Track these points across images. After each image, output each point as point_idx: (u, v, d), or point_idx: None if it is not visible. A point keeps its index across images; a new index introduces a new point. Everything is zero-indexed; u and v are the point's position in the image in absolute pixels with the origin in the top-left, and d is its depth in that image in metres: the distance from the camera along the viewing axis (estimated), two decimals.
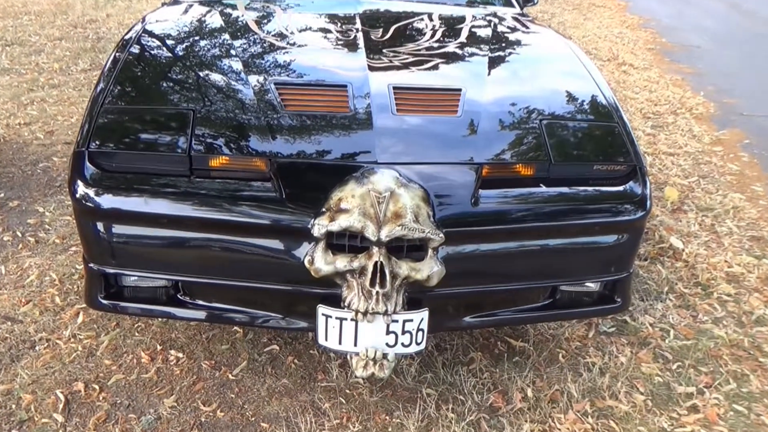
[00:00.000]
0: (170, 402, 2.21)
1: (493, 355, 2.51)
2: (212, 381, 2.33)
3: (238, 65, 2.10)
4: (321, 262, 1.75)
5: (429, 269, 1.78)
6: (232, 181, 1.79)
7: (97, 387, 2.23)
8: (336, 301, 1.80)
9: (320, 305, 1.81)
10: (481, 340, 2.62)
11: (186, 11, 2.68)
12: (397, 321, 1.79)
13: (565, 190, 1.91)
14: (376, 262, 1.71)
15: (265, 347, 2.53)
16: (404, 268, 1.75)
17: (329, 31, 2.51)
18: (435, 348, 2.51)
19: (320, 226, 1.72)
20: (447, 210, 1.80)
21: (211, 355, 2.45)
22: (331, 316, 1.81)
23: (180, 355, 2.45)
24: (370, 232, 1.69)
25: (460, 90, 2.03)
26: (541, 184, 1.90)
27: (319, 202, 1.74)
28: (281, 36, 2.40)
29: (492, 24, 2.72)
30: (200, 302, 1.98)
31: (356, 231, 1.70)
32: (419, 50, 2.31)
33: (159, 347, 2.47)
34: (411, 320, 1.81)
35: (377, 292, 1.72)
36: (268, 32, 2.44)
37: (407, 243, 1.74)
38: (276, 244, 1.80)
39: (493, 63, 2.30)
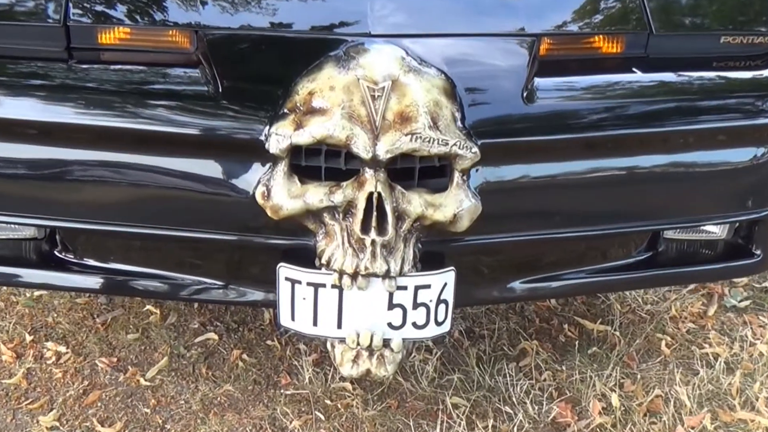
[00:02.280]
0: (48, 421, 2.25)
1: (557, 344, 2.57)
2: (114, 388, 2.38)
3: None
4: (282, 195, 1.78)
5: (456, 205, 1.80)
6: (136, 68, 1.83)
7: None
8: (307, 259, 1.86)
9: (282, 264, 1.86)
10: (537, 321, 2.69)
11: None
12: (405, 288, 1.84)
13: (671, 77, 1.94)
14: (370, 194, 1.73)
15: (196, 336, 2.58)
16: (416, 202, 1.78)
17: None
18: (465, 334, 2.57)
19: (280, 137, 1.74)
20: (483, 110, 1.84)
21: (112, 349, 2.51)
22: (299, 282, 1.86)
23: (62, 348, 2.49)
24: (361, 146, 1.71)
25: None
26: (634, 69, 1.94)
27: (278, 98, 1.77)
28: None
29: None
30: (91, 263, 2.04)
31: (338, 144, 1.72)
32: None
33: (29, 338, 2.51)
34: (428, 286, 1.86)
35: (373, 242, 1.75)
36: None
37: (421, 164, 1.78)
38: (208, 167, 1.84)
39: None
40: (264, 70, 1.87)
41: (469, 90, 1.83)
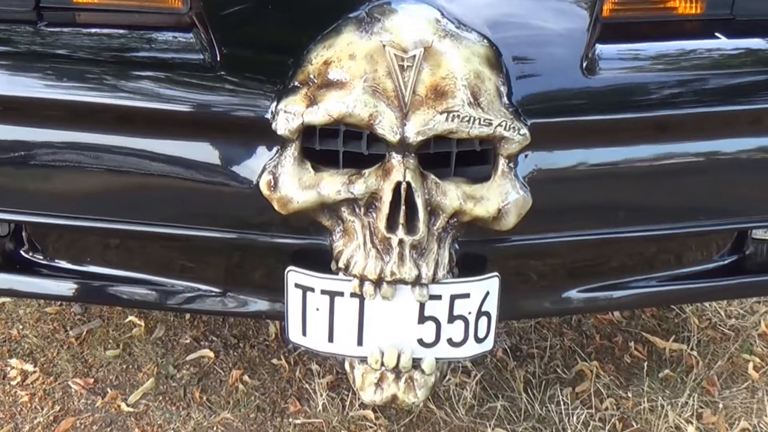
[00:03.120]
0: None
1: (622, 366, 2.57)
2: (90, 415, 2.38)
3: None
4: (292, 185, 1.79)
5: (500, 197, 1.81)
6: (117, 32, 1.84)
7: None
8: (322, 262, 1.88)
9: (291, 269, 1.88)
10: (597, 338, 2.68)
11: None
12: (439, 297, 1.85)
13: (762, 43, 1.94)
14: (398, 184, 1.74)
15: (188, 353, 2.59)
16: (453, 194, 1.79)
17: None
18: (510, 353, 2.57)
19: (290, 115, 1.75)
20: (534, 83, 1.86)
21: (87, 369, 2.52)
22: (312, 290, 1.87)
23: (29, 367, 2.51)
24: (387, 126, 1.72)
25: None
26: (717, 33, 1.94)
27: (287, 69, 1.79)
28: None
29: None
30: (64, 265, 2.05)
31: (359, 124, 1.73)
32: None
33: None
34: (466, 296, 1.87)
35: (401, 242, 1.76)
36: None
37: (458, 148, 1.80)
38: (203, 151, 1.86)
39: None
40: (270, 34, 1.89)
41: (516, 59, 1.84)
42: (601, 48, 1.89)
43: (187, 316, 2.66)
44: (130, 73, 1.81)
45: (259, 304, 2.05)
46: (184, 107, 1.81)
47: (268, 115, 1.78)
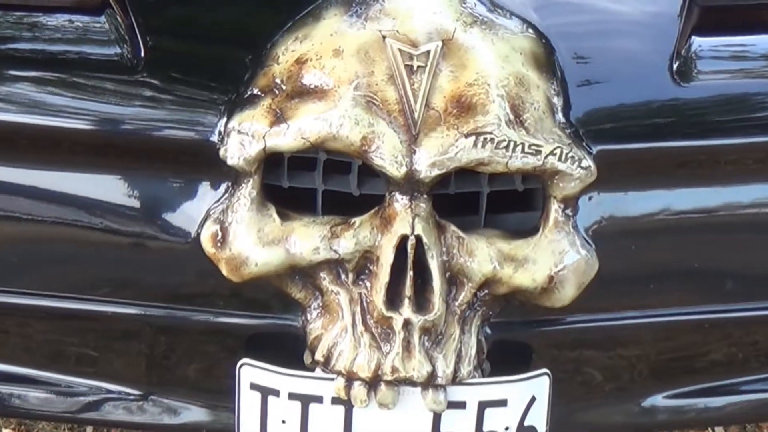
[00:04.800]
0: None
1: None
2: None
3: None
4: (248, 238, 1.78)
5: (553, 259, 1.81)
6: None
7: None
8: (289, 352, 1.89)
9: (246, 362, 1.87)
10: None
11: None
12: (462, 405, 1.84)
13: None
14: (403, 239, 1.72)
15: None
16: (483, 254, 1.78)
17: None
18: None
19: (245, 137, 1.74)
20: (602, 92, 1.88)
21: None
22: (276, 392, 1.86)
23: None
24: (389, 155, 1.70)
25: None
26: None
27: (242, 69, 1.80)
28: None
29: None
30: None
31: (348, 150, 1.72)
32: None
33: None
34: (502, 403, 1.86)
35: (407, 324, 1.73)
36: None
37: (491, 187, 1.81)
38: (117, 188, 1.87)
39: None
40: (218, 19, 1.88)
41: (576, 57, 1.85)
42: (699, 42, 1.90)
43: (88, 429, 2.61)
44: (6, 73, 1.84)
45: (196, 413, 2.06)
46: (86, 124, 1.81)
47: (214, 137, 1.77)
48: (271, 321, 1.91)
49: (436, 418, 1.85)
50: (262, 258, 1.78)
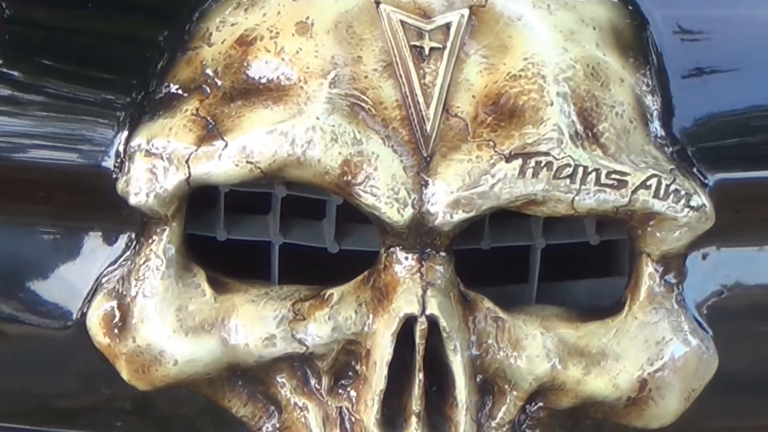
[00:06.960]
0: None
1: None
2: None
3: None
4: (164, 321, 1.48)
5: (647, 353, 1.52)
6: None
7: None
8: None
9: None
10: None
11: None
12: None
13: None
14: (407, 321, 1.43)
15: None
16: (537, 345, 1.50)
17: None
18: None
19: (158, 160, 1.45)
20: (724, 94, 1.58)
21: None
22: None
23: None
24: (384, 187, 1.41)
25: None
26: None
27: (151, 55, 1.51)
28: None
29: None
30: None
31: (320, 182, 1.44)
32: None
33: None
34: None
35: None
36: None
37: (545, 239, 1.56)
38: None
39: None
40: None
41: (683, 33, 1.57)
42: None
43: None
44: None
45: None
46: None
47: (108, 162, 1.46)
48: None
49: None
50: (185, 353, 1.46)
